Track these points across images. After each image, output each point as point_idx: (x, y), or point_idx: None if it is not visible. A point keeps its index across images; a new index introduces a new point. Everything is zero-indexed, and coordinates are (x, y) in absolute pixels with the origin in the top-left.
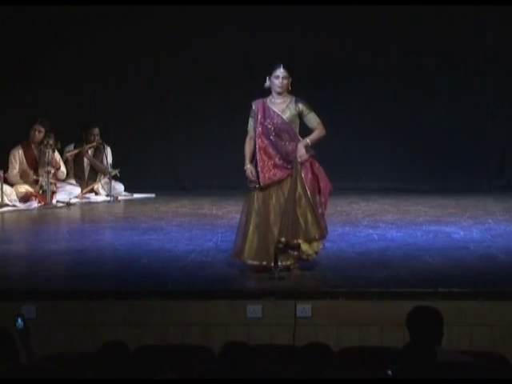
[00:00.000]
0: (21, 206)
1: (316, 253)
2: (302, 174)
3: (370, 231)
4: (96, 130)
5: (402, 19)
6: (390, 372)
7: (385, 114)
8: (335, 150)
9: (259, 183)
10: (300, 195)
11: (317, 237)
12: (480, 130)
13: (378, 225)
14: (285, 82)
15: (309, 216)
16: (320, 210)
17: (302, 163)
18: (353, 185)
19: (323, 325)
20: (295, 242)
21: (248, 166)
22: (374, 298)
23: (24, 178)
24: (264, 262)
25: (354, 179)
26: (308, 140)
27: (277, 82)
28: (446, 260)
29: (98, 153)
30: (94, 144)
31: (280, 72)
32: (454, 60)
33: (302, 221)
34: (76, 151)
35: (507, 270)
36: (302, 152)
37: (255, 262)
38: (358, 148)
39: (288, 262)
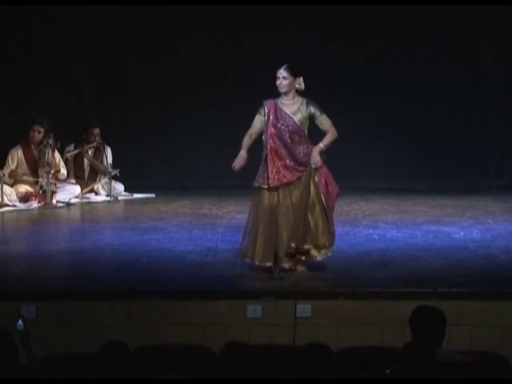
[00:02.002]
0: (21, 206)
1: (322, 257)
2: (316, 179)
3: (370, 231)
4: (96, 131)
5: (403, 20)
6: (388, 371)
7: (385, 113)
8: (335, 150)
9: (268, 184)
10: (313, 201)
11: (327, 245)
12: (480, 130)
13: (378, 225)
14: (284, 82)
15: (320, 223)
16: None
17: (316, 169)
18: (353, 185)
19: (323, 325)
20: (305, 247)
21: (242, 154)
22: (374, 298)
23: (18, 176)
24: (268, 264)
25: (354, 179)
26: (322, 145)
27: (277, 82)
28: (446, 260)
29: (98, 153)
30: (94, 144)
31: (279, 73)
32: (453, 60)
33: (313, 227)
34: (76, 151)
35: (507, 270)
36: (316, 158)
37: (262, 264)
38: (358, 148)
39: (295, 266)
